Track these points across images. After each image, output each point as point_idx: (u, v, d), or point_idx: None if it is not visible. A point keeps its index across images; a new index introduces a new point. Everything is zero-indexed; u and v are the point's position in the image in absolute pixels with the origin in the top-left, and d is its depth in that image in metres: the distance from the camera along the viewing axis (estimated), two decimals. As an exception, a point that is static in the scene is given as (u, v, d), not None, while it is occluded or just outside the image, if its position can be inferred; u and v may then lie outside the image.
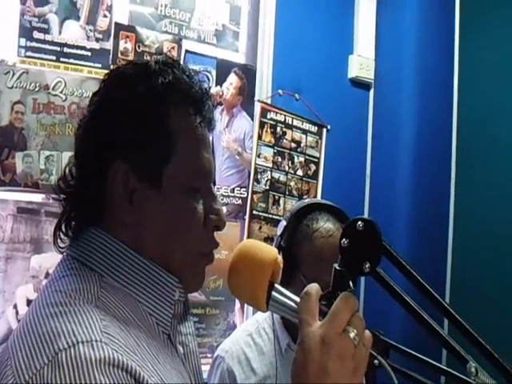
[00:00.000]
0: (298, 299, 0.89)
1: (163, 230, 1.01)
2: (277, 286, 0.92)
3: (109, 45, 2.54)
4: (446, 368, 0.95)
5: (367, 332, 0.86)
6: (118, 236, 1.00)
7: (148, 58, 2.59)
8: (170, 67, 1.04)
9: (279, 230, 1.89)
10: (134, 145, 0.99)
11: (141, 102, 1.00)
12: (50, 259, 2.29)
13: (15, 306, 2.26)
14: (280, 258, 0.95)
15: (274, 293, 0.91)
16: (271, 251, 0.96)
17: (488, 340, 0.85)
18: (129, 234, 1.00)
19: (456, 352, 0.84)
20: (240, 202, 2.90)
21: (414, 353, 0.96)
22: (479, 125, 3.30)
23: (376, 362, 0.92)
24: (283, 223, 1.89)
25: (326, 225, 1.83)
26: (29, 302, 2.25)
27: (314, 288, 0.87)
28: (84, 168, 1.03)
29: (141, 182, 1.00)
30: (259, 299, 0.92)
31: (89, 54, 2.48)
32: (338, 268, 0.88)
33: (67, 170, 1.06)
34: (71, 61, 2.44)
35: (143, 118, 1.00)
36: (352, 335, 0.83)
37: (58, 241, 1.05)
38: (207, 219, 1.04)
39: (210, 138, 1.10)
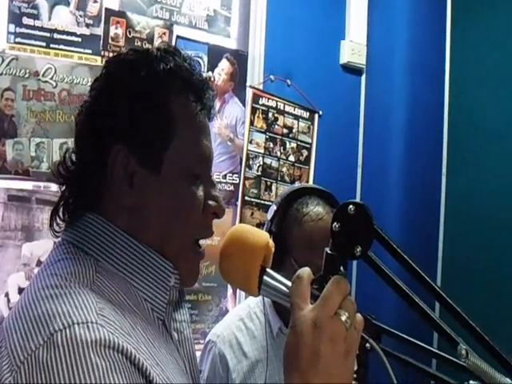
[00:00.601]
0: (289, 283, 0.89)
1: (163, 215, 1.02)
2: (268, 270, 0.92)
3: (99, 30, 2.52)
4: (437, 351, 0.95)
5: (358, 315, 0.87)
6: (115, 221, 1.00)
7: (139, 43, 2.58)
8: (171, 55, 1.05)
9: (269, 214, 1.89)
10: (135, 129, 1.00)
11: (142, 86, 1.01)
12: (42, 247, 2.29)
13: (7, 295, 2.25)
14: (271, 242, 0.95)
15: (265, 277, 0.91)
16: (263, 236, 0.96)
17: (479, 323, 0.85)
18: (127, 218, 1.00)
19: (447, 335, 0.84)
20: (232, 188, 2.90)
21: (405, 336, 0.96)
22: (471, 110, 3.30)
23: (368, 345, 0.92)
24: (273, 208, 1.89)
25: (315, 208, 1.83)
26: (20, 290, 2.25)
27: (305, 272, 0.88)
28: (84, 153, 1.03)
29: (141, 166, 1.00)
30: (251, 284, 0.92)
31: (79, 39, 2.47)
32: (329, 252, 0.88)
33: (67, 155, 1.06)
34: (61, 47, 2.43)
35: (144, 103, 1.01)
36: (343, 318, 0.83)
37: (54, 225, 1.05)
38: (206, 206, 1.05)
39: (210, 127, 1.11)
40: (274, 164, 3.04)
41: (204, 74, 1.09)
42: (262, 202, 2.97)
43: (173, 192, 1.02)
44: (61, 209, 1.05)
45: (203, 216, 1.05)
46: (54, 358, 0.78)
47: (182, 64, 1.04)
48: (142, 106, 1.00)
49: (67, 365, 0.78)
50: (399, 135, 3.34)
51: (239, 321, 1.97)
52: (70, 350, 0.79)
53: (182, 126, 1.03)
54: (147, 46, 2.55)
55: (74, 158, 1.06)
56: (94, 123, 1.02)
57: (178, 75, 1.03)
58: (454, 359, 0.86)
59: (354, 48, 3.34)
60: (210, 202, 1.06)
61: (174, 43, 2.68)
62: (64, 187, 1.06)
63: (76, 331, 0.80)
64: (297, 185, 2.03)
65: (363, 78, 3.43)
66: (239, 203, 2.91)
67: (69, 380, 0.77)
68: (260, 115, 2.98)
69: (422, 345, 0.96)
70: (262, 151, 3.00)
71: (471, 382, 0.96)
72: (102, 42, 2.52)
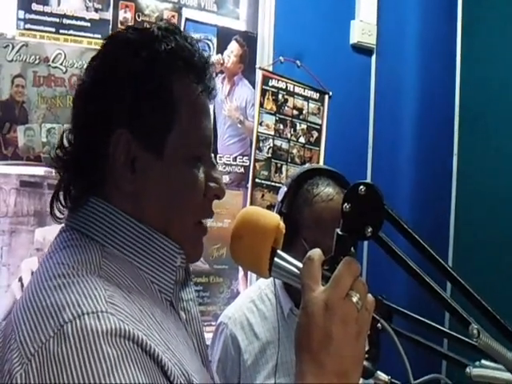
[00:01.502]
0: (300, 265, 0.89)
1: (165, 199, 1.01)
2: (279, 252, 0.92)
3: (108, 15, 2.51)
4: (448, 331, 0.95)
5: (370, 296, 0.87)
6: (118, 205, 0.99)
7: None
8: (173, 34, 1.03)
9: (280, 195, 1.89)
10: (137, 112, 0.98)
11: (144, 67, 0.99)
12: (54, 232, 2.26)
13: (20, 279, 2.27)
14: (282, 224, 0.95)
15: (276, 259, 0.91)
16: (273, 217, 0.95)
17: (491, 302, 0.85)
18: (130, 203, 0.99)
19: (458, 314, 0.84)
20: (242, 170, 2.90)
21: (416, 316, 0.96)
22: (482, 89, 3.28)
23: (379, 325, 0.92)
24: (284, 189, 1.89)
25: (326, 189, 1.83)
26: (34, 275, 2.26)
27: (316, 253, 0.88)
28: (84, 137, 1.01)
29: (143, 150, 0.99)
30: (262, 266, 0.92)
31: (88, 24, 2.46)
32: (339, 233, 0.88)
33: (64, 139, 1.04)
34: (71, 32, 2.42)
35: (146, 85, 0.99)
36: (355, 300, 0.83)
37: (56, 212, 1.04)
38: (208, 188, 1.05)
39: (211, 107, 1.09)
40: (285, 146, 3.03)
41: (206, 54, 1.07)
42: (273, 183, 2.96)
43: (175, 176, 1.01)
44: (62, 195, 1.03)
45: (205, 198, 1.05)
46: (65, 349, 0.78)
47: (183, 44, 1.02)
48: (145, 89, 0.98)
49: (78, 356, 0.77)
50: (410, 115, 3.33)
51: (250, 302, 1.98)
52: (81, 341, 0.78)
53: (184, 107, 1.01)
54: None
55: (71, 140, 1.03)
56: (94, 106, 1.00)
57: (180, 56, 1.01)
58: (466, 339, 0.86)
59: (364, 28, 3.31)
60: (211, 184, 1.05)
61: (183, 26, 2.67)
62: (64, 172, 1.03)
63: (86, 321, 0.80)
64: (307, 166, 2.02)
65: (373, 58, 3.40)
66: (250, 185, 2.91)
67: (81, 371, 0.76)
68: (270, 97, 2.97)
69: (434, 325, 0.96)
70: (272, 133, 2.99)
71: (483, 361, 0.96)
72: (111, 26, 2.51)
